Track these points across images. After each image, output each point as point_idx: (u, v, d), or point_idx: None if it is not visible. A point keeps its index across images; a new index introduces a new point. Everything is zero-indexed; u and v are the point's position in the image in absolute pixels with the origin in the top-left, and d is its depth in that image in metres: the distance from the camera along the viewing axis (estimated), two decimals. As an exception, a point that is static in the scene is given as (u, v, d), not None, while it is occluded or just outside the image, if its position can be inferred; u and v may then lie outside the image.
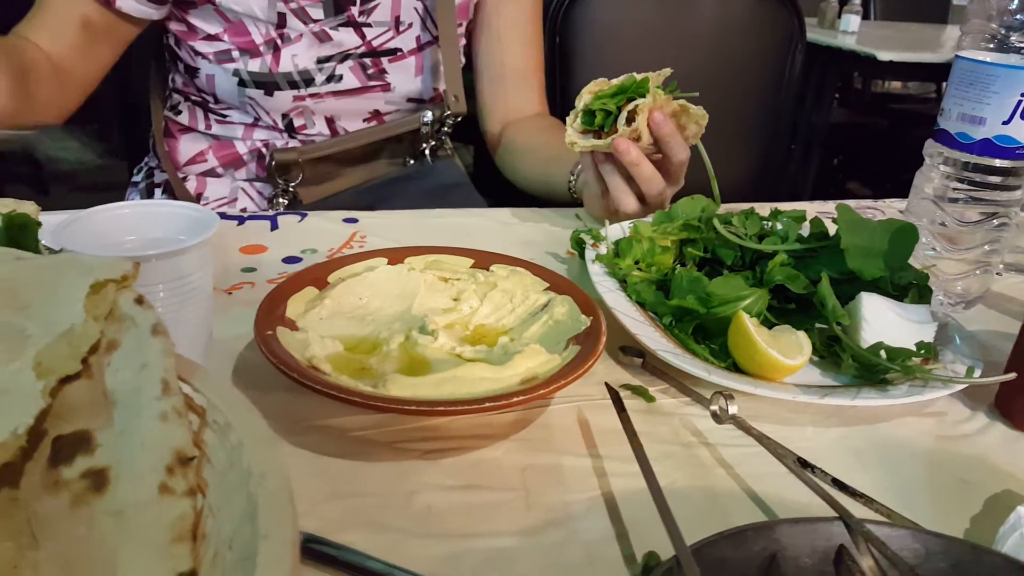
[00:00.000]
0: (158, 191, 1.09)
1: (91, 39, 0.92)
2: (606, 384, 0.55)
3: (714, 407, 0.52)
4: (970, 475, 0.52)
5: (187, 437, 0.33)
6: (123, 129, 1.36)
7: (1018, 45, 0.66)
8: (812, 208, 1.01)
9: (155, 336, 0.36)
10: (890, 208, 1.03)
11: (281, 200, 1.03)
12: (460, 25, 1.08)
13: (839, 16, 3.05)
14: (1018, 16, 0.66)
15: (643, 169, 0.78)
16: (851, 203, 1.03)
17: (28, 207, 0.62)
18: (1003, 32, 0.67)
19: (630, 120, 0.77)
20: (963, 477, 0.52)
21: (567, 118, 0.80)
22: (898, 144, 3.08)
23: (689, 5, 1.55)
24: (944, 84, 0.74)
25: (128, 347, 0.36)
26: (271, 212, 0.93)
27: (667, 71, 0.79)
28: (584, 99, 0.80)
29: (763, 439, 0.50)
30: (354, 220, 0.90)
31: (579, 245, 0.79)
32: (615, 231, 0.78)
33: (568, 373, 0.49)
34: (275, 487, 0.28)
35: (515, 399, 0.46)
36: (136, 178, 1.14)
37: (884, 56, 2.55)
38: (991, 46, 0.68)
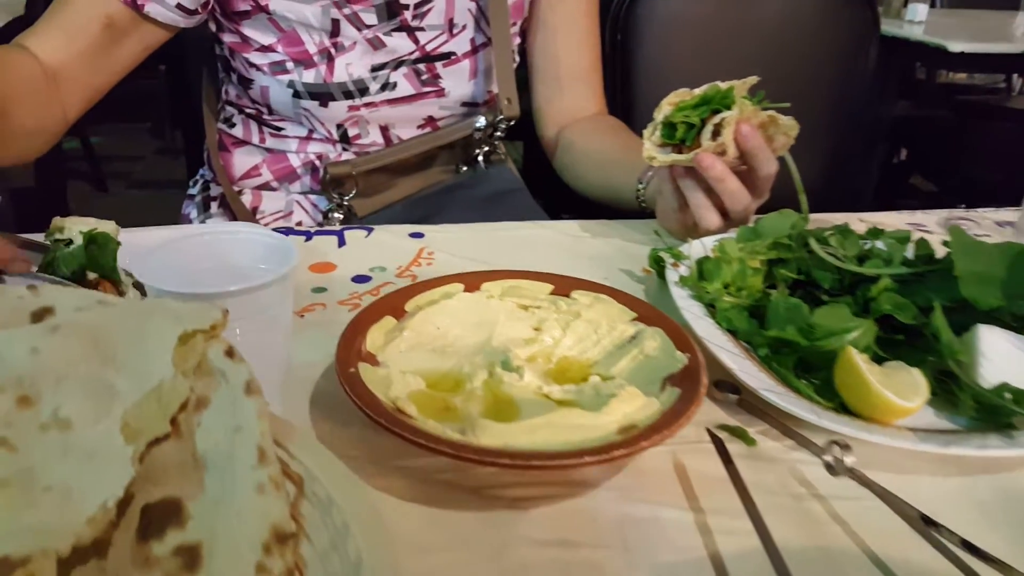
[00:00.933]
0: (214, 204, 1.08)
1: (112, 42, 0.88)
2: (708, 430, 0.51)
3: (828, 457, 0.48)
4: (1109, 534, 0.48)
5: (285, 511, 0.30)
6: (175, 126, 1.35)
7: None
8: (900, 220, 0.96)
9: (249, 396, 0.33)
10: (985, 219, 0.97)
11: (336, 215, 1.01)
12: (514, 24, 1.05)
13: (905, 5, 2.94)
14: None
15: (728, 184, 0.74)
16: (945, 212, 0.98)
17: (109, 226, 0.61)
18: None
19: (715, 134, 0.73)
20: (1103, 536, 0.48)
21: (644, 131, 0.76)
22: (964, 137, 2.97)
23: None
24: (1016, 75, 0.69)
25: (219, 405, 0.34)
26: (337, 227, 0.90)
27: (753, 79, 0.75)
28: (664, 111, 0.76)
29: (885, 494, 0.46)
30: (420, 235, 0.87)
31: (658, 264, 0.75)
32: (697, 250, 0.74)
33: (670, 421, 0.46)
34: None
35: (616, 452, 0.43)
36: (192, 191, 1.14)
37: (955, 47, 2.44)
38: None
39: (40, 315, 0.35)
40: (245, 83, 1.00)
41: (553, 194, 1.17)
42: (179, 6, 0.89)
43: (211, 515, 0.30)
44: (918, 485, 0.51)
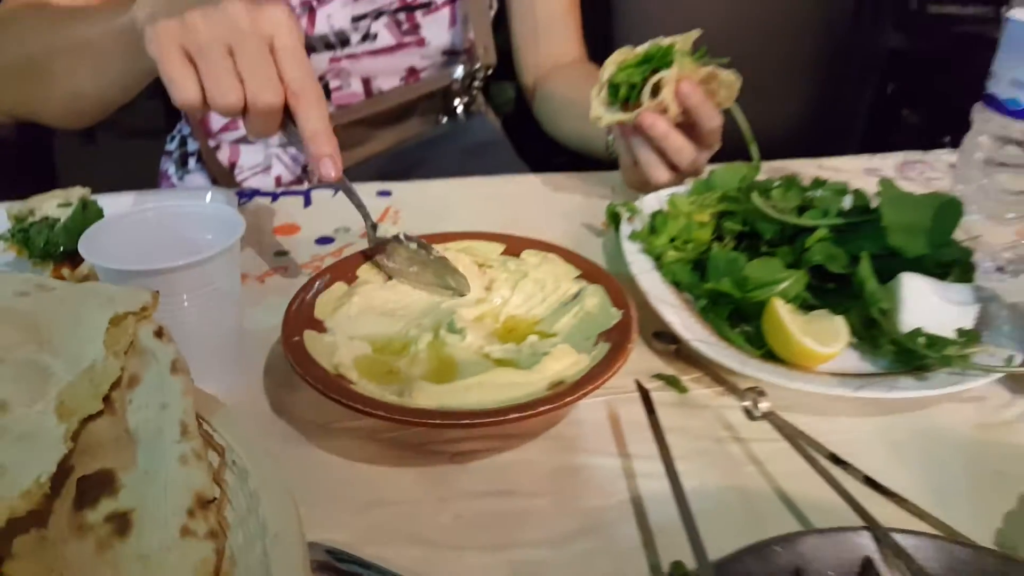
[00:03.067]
0: (192, 160, 1.09)
1: None
2: (636, 382, 0.54)
3: (745, 403, 0.51)
4: (1007, 466, 0.51)
5: (206, 479, 0.33)
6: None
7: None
8: (859, 165, 0.97)
9: (175, 374, 0.36)
10: (939, 161, 0.98)
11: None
12: None
13: (896, -66, 2.87)
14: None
15: (672, 141, 0.75)
16: (901, 155, 1.00)
17: (76, 193, 0.64)
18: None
19: (656, 92, 0.74)
20: (1000, 469, 0.51)
21: (592, 90, 0.77)
22: (954, 69, 2.93)
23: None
24: (1003, 6, 0.69)
25: (149, 383, 0.36)
26: (305, 186, 0.92)
27: (695, 33, 0.75)
28: (608, 71, 0.77)
29: (795, 437, 0.49)
30: (387, 193, 0.89)
31: (614, 219, 0.77)
32: (651, 204, 0.76)
33: (595, 377, 0.48)
34: (289, 550, 0.28)
35: (540, 408, 0.46)
36: (170, 147, 1.14)
37: (943, -23, 2.40)
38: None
39: (-22, 300, 0.38)
40: None
41: (544, 138, 1.18)
42: None
43: (141, 485, 0.33)
44: (838, 426, 0.54)
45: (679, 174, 0.80)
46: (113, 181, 0.81)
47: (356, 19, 0.99)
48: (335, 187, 0.90)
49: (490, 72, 1.09)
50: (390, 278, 0.62)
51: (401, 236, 0.62)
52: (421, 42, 1.03)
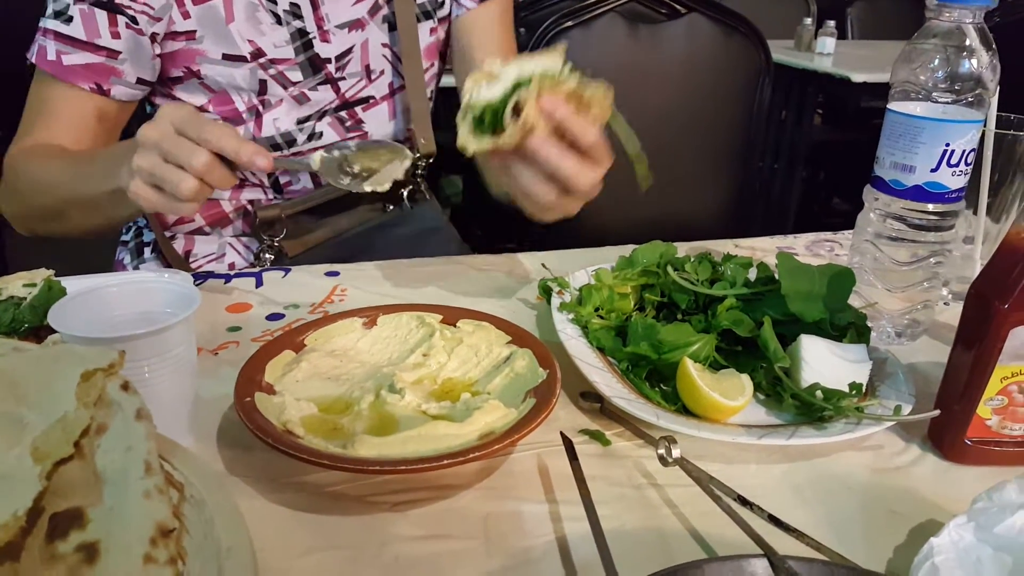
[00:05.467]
0: (147, 250, 1.14)
1: (104, 128, 1.00)
2: (560, 433, 0.59)
3: (660, 451, 0.56)
4: (900, 506, 0.57)
5: (168, 512, 0.37)
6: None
7: (940, 100, 0.72)
8: (773, 244, 1.06)
9: (139, 420, 0.40)
10: (846, 239, 1.07)
11: (267, 255, 1.07)
12: (431, 66, 1.13)
13: (815, 37, 3.12)
14: (938, 74, 0.71)
15: (566, 164, 0.66)
16: (810, 235, 1.09)
17: (40, 274, 0.69)
18: (928, 87, 0.72)
19: (517, 112, 0.66)
20: (893, 508, 0.57)
21: (457, 117, 0.69)
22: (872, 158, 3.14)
23: (659, 41, 1.61)
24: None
25: (115, 430, 0.41)
26: (257, 269, 0.97)
27: (560, 48, 0.69)
28: (466, 98, 0.69)
29: (703, 481, 0.55)
30: (336, 273, 0.95)
31: (546, 292, 0.84)
32: (579, 278, 0.83)
33: (522, 427, 0.54)
34: (241, 560, 0.32)
35: (471, 455, 0.50)
36: (125, 237, 1.18)
37: (858, 77, 2.61)
38: (919, 97, 0.73)
39: (-39, 362, 0.42)
40: None
41: (492, 224, 1.24)
42: (139, 80, 0.98)
43: (107, 519, 0.37)
44: (746, 472, 0.60)
45: (571, 199, 0.70)
46: (66, 267, 0.86)
47: (301, 121, 1.05)
48: (286, 269, 0.96)
49: (431, 161, 1.16)
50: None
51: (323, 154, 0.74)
52: (364, 136, 1.10)
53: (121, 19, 0.93)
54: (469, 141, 0.68)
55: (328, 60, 1.04)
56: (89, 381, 0.42)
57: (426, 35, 1.11)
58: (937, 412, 0.60)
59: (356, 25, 1.05)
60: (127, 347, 0.52)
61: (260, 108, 1.02)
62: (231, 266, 1.10)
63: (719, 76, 1.63)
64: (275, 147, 1.04)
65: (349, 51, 1.05)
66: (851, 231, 1.11)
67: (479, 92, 0.68)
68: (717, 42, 1.58)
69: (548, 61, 0.67)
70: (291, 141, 1.05)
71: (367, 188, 0.75)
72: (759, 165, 1.84)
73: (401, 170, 0.75)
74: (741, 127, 1.69)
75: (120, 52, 0.95)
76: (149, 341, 0.53)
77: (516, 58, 0.68)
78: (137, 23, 0.94)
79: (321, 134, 1.07)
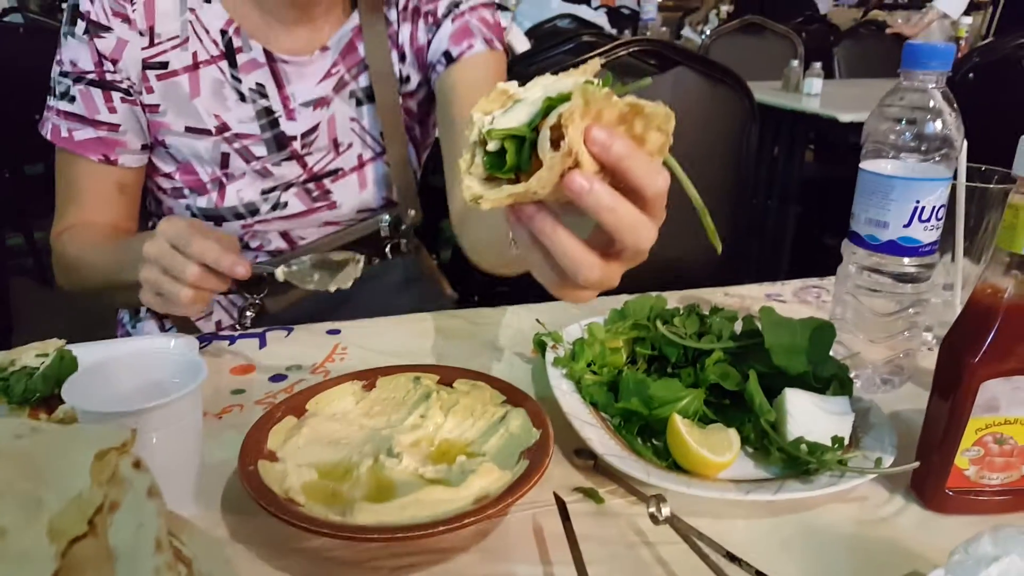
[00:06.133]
0: (143, 310, 1.16)
1: (126, 195, 1.07)
2: (554, 494, 0.61)
3: (651, 510, 0.58)
4: (884, 557, 0.59)
5: (177, 588, 0.39)
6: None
7: (909, 159, 0.75)
8: (761, 291, 1.09)
9: (150, 498, 0.42)
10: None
11: (248, 313, 1.09)
12: (411, 128, 1.14)
13: (803, 78, 3.19)
14: (906, 135, 0.74)
15: (621, 212, 0.48)
16: (798, 282, 1.12)
17: (53, 344, 0.72)
18: (897, 146, 0.75)
19: (557, 143, 0.46)
20: (878, 560, 0.59)
21: (460, 160, 0.50)
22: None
23: (649, 94, 1.65)
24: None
25: (127, 507, 0.43)
26: (261, 330, 0.99)
27: (597, 64, 0.51)
28: (478, 126, 0.49)
29: (692, 539, 0.57)
30: (337, 332, 0.97)
31: (540, 347, 0.86)
32: (573, 332, 0.86)
33: (515, 491, 0.56)
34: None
35: (465, 520, 0.53)
36: None
37: (845, 118, 2.67)
38: (889, 156, 0.77)
39: (-18, 444, 0.44)
40: (157, 201, 1.11)
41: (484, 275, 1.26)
42: (143, 147, 1.05)
43: (121, 595, 0.39)
44: (734, 528, 0.62)
45: (619, 260, 0.52)
46: (69, 325, 0.90)
47: (265, 192, 1.06)
48: (288, 328, 0.98)
49: (416, 227, 1.17)
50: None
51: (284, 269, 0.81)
52: (332, 205, 1.10)
53: (116, 94, 1.00)
54: (482, 190, 0.49)
55: (294, 137, 1.05)
56: (103, 460, 0.44)
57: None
58: (916, 464, 0.62)
59: (321, 103, 1.06)
60: (136, 419, 0.55)
61: (224, 179, 1.05)
62: (218, 324, 1.13)
63: (707, 125, 1.67)
64: (238, 216, 1.06)
65: (315, 128, 1.06)
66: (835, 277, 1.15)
67: (493, 120, 0.49)
68: (704, 93, 1.63)
69: (584, 74, 0.49)
70: (254, 211, 1.06)
71: (331, 289, 0.80)
72: (752, 203, 1.87)
73: (358, 270, 0.82)
74: (731, 171, 1.73)
75: (120, 124, 1.01)
76: (158, 413, 0.56)
77: (537, 77, 0.50)
78: (131, 95, 1.00)
79: (286, 204, 1.08)
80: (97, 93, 1.00)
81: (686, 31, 5.48)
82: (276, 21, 1.03)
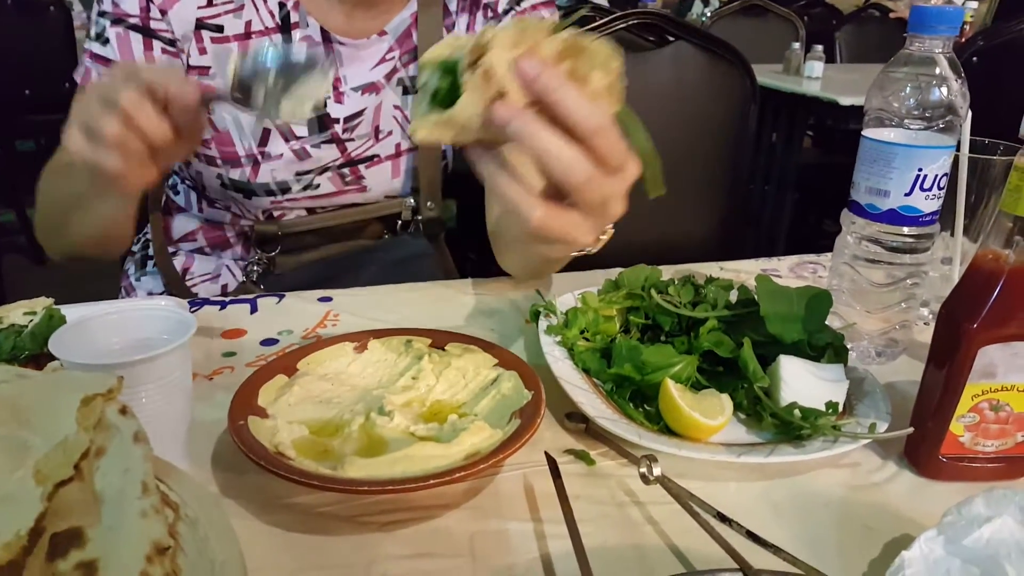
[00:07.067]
0: (150, 263, 1.16)
1: None
2: (545, 453, 0.61)
3: (642, 470, 0.58)
4: (875, 522, 0.58)
5: (163, 530, 0.39)
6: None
7: (913, 127, 0.74)
8: (757, 267, 1.08)
9: (136, 443, 0.42)
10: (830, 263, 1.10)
11: (255, 268, 1.09)
12: None
13: (804, 62, 3.17)
14: (910, 101, 0.74)
15: (543, 140, 0.47)
16: (795, 258, 1.11)
17: (41, 302, 0.71)
18: (900, 114, 0.75)
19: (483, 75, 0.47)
20: (868, 524, 0.58)
21: (411, 101, 0.54)
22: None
23: (647, 70, 1.64)
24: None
25: (114, 452, 0.42)
26: (252, 295, 0.99)
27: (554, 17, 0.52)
28: (427, 69, 0.52)
29: (683, 498, 0.56)
30: (328, 299, 0.97)
31: (535, 316, 0.86)
32: (567, 301, 0.85)
33: (506, 448, 0.55)
34: (233, 572, 0.34)
35: (457, 475, 0.52)
36: (134, 248, 1.21)
37: (845, 101, 2.66)
38: (892, 124, 0.76)
39: (-34, 388, 0.44)
40: (185, 161, 1.08)
41: (486, 247, 1.26)
42: None
43: (105, 538, 0.39)
44: (726, 490, 0.61)
45: (576, 207, 0.50)
46: (66, 298, 0.88)
47: (300, 174, 1.05)
48: (280, 295, 0.98)
49: (441, 222, 1.17)
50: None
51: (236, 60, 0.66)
52: (363, 189, 1.10)
53: (157, 43, 0.95)
54: (419, 124, 0.50)
55: (337, 120, 1.04)
56: (89, 406, 0.43)
57: None
58: (911, 430, 0.62)
59: (371, 88, 1.05)
60: (125, 373, 0.54)
61: (259, 157, 1.03)
62: (224, 288, 1.12)
63: (706, 103, 1.66)
64: (269, 192, 1.05)
65: (360, 113, 1.05)
66: (831, 252, 1.14)
67: (435, 52, 0.51)
68: (703, 69, 1.62)
69: (535, 22, 0.49)
70: (286, 189, 1.06)
71: (280, 116, 0.65)
72: (749, 188, 1.87)
73: (324, 87, 0.66)
74: (729, 152, 1.72)
75: None
76: (146, 367, 0.55)
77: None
78: (173, 47, 0.96)
79: (318, 185, 1.07)
80: (136, 39, 0.95)
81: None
82: (337, 1, 1.01)
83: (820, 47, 3.18)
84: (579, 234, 0.51)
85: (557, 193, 0.49)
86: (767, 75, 3.04)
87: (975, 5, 4.10)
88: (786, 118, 3.08)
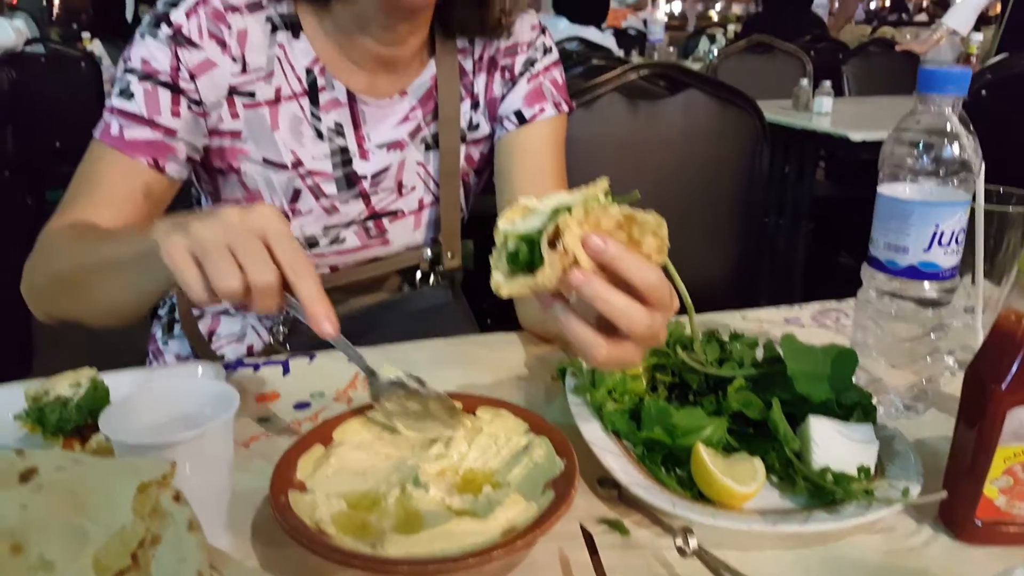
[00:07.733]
0: (177, 327, 1.18)
1: (149, 205, 0.98)
2: (580, 526, 0.62)
3: (678, 543, 0.58)
4: (912, 587, 0.59)
5: (218, 623, 0.40)
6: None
7: (928, 183, 0.75)
8: (779, 315, 1.09)
9: (191, 532, 0.43)
10: (852, 308, 1.10)
11: (282, 328, 1.10)
12: (467, 175, 1.17)
13: (812, 97, 3.19)
14: (923, 159, 0.75)
15: (613, 301, 0.58)
16: (816, 305, 1.12)
17: (85, 373, 0.73)
18: (915, 170, 0.76)
19: (555, 245, 0.58)
20: (906, 590, 0.59)
21: (491, 257, 0.62)
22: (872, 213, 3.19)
23: (659, 116, 1.67)
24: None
25: (169, 541, 0.44)
26: (284, 356, 1.00)
27: (604, 181, 0.62)
28: (502, 232, 0.62)
29: (720, 571, 0.57)
30: (359, 358, 0.98)
31: (562, 375, 0.87)
32: (593, 360, 0.86)
33: (542, 523, 0.56)
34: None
35: (494, 553, 0.53)
36: (161, 311, 1.23)
37: (856, 136, 2.67)
38: (908, 179, 0.77)
39: (27, 475, 0.45)
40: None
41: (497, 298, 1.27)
42: (188, 159, 1.00)
43: (163, 628, 0.40)
44: (760, 559, 0.62)
45: (633, 344, 0.61)
46: (97, 350, 0.89)
47: (328, 228, 1.09)
48: (311, 354, 0.99)
49: (460, 272, 1.19)
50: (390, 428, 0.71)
51: (402, 376, 0.71)
52: (385, 242, 1.14)
53: (184, 100, 0.97)
54: (503, 283, 0.60)
55: (364, 177, 1.08)
56: (144, 493, 0.45)
57: (461, 156, 1.14)
58: (944, 494, 0.62)
59: (395, 146, 1.09)
60: (171, 451, 0.56)
61: (290, 215, 1.06)
62: (250, 348, 1.14)
63: (717, 146, 1.68)
64: None
65: (385, 170, 1.09)
66: (853, 299, 1.15)
67: (512, 226, 0.61)
68: (714, 114, 1.64)
69: (591, 191, 0.60)
70: (314, 244, 1.09)
71: (407, 431, 0.72)
72: (764, 222, 1.88)
73: (450, 438, 0.70)
74: (742, 192, 1.74)
75: (177, 131, 0.97)
76: (190, 445, 0.57)
77: (556, 192, 0.61)
78: (200, 104, 0.98)
79: (344, 239, 1.10)
80: (165, 94, 0.95)
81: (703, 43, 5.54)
82: (359, 67, 1.05)
83: (828, 82, 3.20)
84: (633, 360, 0.62)
85: (611, 325, 0.60)
86: (776, 111, 3.06)
87: (980, 37, 4.13)
88: (796, 152, 3.10)
